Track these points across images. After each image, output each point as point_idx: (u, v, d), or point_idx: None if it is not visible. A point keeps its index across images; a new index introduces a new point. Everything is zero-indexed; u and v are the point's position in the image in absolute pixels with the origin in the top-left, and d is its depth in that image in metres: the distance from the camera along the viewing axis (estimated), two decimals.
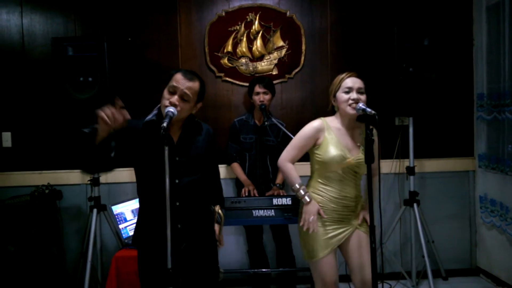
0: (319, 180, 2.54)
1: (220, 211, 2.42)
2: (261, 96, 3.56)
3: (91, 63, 3.44)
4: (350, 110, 2.43)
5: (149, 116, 2.23)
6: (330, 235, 2.49)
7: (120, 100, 1.97)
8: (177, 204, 2.19)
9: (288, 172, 2.56)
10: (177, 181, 2.19)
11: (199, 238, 2.29)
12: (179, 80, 2.14)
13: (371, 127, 2.21)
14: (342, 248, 2.58)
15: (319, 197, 2.51)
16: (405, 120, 3.95)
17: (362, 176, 2.55)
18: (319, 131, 2.51)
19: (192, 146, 2.26)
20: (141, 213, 2.31)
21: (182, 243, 2.21)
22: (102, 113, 1.87)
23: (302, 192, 2.50)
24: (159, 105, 2.23)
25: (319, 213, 2.46)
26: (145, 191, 2.27)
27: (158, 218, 2.13)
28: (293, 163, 2.58)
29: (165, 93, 2.16)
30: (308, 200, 2.48)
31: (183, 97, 2.14)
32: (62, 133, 3.89)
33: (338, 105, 2.51)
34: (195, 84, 2.19)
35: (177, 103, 2.11)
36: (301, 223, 2.52)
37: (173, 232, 2.05)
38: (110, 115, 1.88)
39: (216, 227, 2.41)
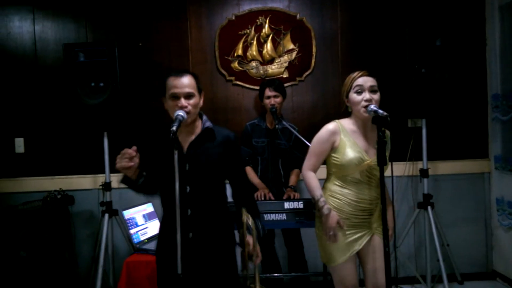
0: (336, 183, 2.50)
1: (249, 221, 2.25)
2: (272, 100, 3.54)
3: (102, 68, 3.47)
4: (363, 113, 2.39)
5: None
6: (349, 240, 2.46)
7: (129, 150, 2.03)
8: (188, 213, 2.16)
9: (308, 182, 2.52)
10: (188, 189, 2.16)
11: (213, 248, 2.23)
12: (175, 83, 2.14)
13: (383, 128, 2.17)
14: (359, 252, 2.53)
15: (336, 200, 2.48)
16: (418, 122, 3.90)
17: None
18: (334, 133, 2.47)
19: (204, 154, 2.21)
20: (161, 221, 2.34)
21: (194, 252, 2.17)
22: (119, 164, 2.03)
23: (321, 203, 2.45)
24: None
25: (339, 224, 2.42)
26: (163, 199, 2.29)
27: (172, 226, 2.11)
28: (314, 170, 2.54)
29: (170, 102, 2.16)
30: (327, 212, 2.42)
31: (187, 96, 2.14)
32: (73, 139, 3.94)
33: (352, 107, 2.48)
34: (189, 78, 2.18)
35: (185, 104, 2.11)
36: (321, 231, 2.50)
37: (185, 241, 2.04)
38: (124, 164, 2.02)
39: (250, 239, 2.23)
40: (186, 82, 2.15)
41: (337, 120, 2.54)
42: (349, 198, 2.45)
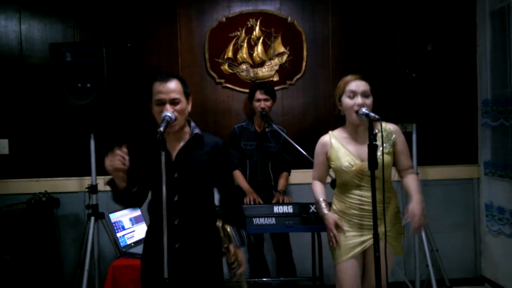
0: (340, 187, 2.57)
1: (229, 228, 2.26)
2: (262, 103, 3.50)
3: (90, 69, 3.40)
4: (355, 117, 2.40)
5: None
6: (351, 241, 2.47)
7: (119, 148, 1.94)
8: (176, 222, 2.10)
9: (313, 189, 2.67)
10: (176, 198, 2.10)
11: (200, 258, 2.18)
12: (160, 89, 2.07)
13: (375, 132, 2.15)
14: (364, 257, 2.55)
15: (340, 203, 2.53)
16: (408, 127, 3.89)
17: (390, 179, 2.58)
18: (325, 145, 2.57)
19: (192, 161, 2.15)
20: (148, 228, 2.29)
21: (180, 263, 2.11)
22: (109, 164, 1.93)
23: (320, 205, 2.58)
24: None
25: (338, 224, 2.47)
26: (150, 206, 2.24)
27: (158, 233, 2.06)
28: (321, 180, 2.67)
29: (156, 109, 2.10)
30: (324, 213, 2.54)
31: (173, 102, 2.07)
32: (59, 140, 3.87)
33: (344, 111, 2.48)
34: (175, 83, 2.11)
35: (171, 110, 2.05)
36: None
37: (171, 252, 1.99)
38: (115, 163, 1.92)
39: (231, 247, 2.25)
40: (171, 87, 2.08)
41: (330, 131, 2.60)
42: (351, 201, 2.49)
